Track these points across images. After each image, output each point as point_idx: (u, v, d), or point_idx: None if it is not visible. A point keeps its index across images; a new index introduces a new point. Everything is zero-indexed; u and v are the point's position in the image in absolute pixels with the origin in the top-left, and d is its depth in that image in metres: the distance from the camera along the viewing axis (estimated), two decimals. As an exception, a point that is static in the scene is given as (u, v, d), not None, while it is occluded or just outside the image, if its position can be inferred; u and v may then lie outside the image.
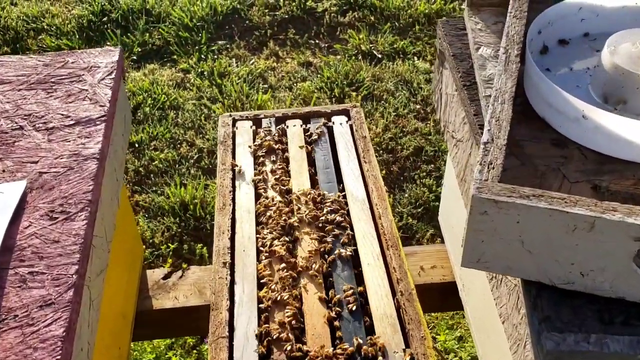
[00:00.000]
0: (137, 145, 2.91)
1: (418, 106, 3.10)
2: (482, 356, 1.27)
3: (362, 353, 1.02)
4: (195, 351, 2.12)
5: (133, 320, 1.57)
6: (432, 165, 2.78)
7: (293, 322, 1.07)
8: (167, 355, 2.06)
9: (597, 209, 0.75)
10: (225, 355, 1.01)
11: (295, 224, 1.27)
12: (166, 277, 1.70)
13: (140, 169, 2.80)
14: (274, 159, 1.44)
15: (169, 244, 2.46)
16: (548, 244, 0.79)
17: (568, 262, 0.79)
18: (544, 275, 0.82)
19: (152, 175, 2.81)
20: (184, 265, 2.52)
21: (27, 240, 1.01)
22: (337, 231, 1.25)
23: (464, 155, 1.14)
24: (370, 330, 1.06)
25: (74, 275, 0.96)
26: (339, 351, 1.02)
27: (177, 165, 2.87)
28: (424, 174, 2.75)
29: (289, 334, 1.05)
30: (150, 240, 2.51)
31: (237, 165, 1.44)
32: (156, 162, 2.86)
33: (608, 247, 0.76)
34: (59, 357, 0.85)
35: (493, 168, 0.82)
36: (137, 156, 2.87)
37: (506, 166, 0.91)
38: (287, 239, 1.23)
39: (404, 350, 1.02)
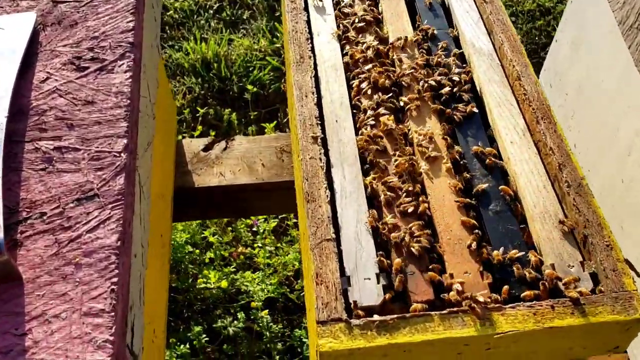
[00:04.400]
0: (147, -9, 2.48)
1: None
2: None
3: (518, 265, 0.74)
4: (230, 229, 1.87)
5: (172, 200, 1.28)
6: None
7: (421, 227, 0.77)
8: (202, 235, 1.81)
9: None
10: (335, 265, 0.73)
11: (404, 82, 0.93)
12: (207, 148, 1.39)
13: (153, 19, 2.40)
14: (355, -2, 1.08)
15: (197, 108, 2.13)
16: None
17: None
18: None
19: (167, 27, 2.42)
20: (212, 133, 2.21)
21: (47, 100, 0.68)
22: (460, 93, 0.92)
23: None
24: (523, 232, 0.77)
25: (122, 154, 0.64)
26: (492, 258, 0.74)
27: (195, 17, 2.47)
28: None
29: (416, 234, 0.76)
30: (171, 103, 2.17)
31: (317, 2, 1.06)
32: (171, 12, 2.46)
33: None
34: (114, 277, 0.56)
35: None
36: (148, 4, 2.45)
37: None
38: (391, 105, 0.91)
39: (582, 264, 0.74)
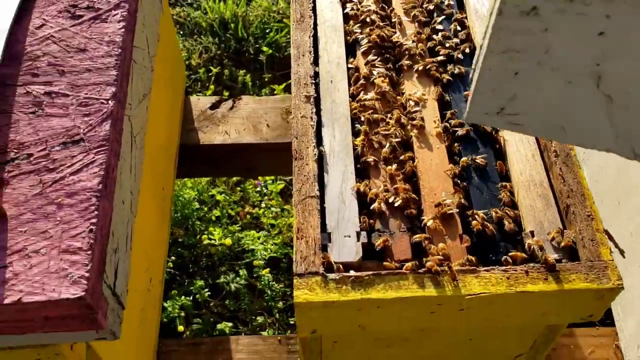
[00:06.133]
0: (168, -52, 2.47)
1: None
2: None
3: (501, 227, 0.75)
4: (239, 188, 1.89)
5: (177, 156, 1.31)
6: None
7: (404, 183, 0.78)
8: (209, 192, 1.84)
9: None
10: (316, 220, 0.75)
11: (405, 45, 0.93)
12: (214, 106, 1.40)
13: (173, -23, 2.40)
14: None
15: (210, 67, 2.14)
16: None
17: None
18: (626, 145, 0.45)
19: (186, -15, 2.42)
20: (226, 93, 2.22)
21: (40, 47, 0.70)
22: (457, 56, 0.92)
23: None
24: (511, 202, 0.78)
25: (110, 101, 0.66)
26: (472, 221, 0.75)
27: (215, -25, 2.46)
28: None
29: (399, 197, 0.77)
30: (187, 62, 2.19)
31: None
32: (191, -31, 2.45)
33: None
34: (93, 219, 0.59)
35: None
36: (169, -39, 2.45)
37: None
38: (387, 67, 0.91)
39: (561, 232, 0.74)
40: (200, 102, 1.41)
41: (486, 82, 0.45)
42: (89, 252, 0.56)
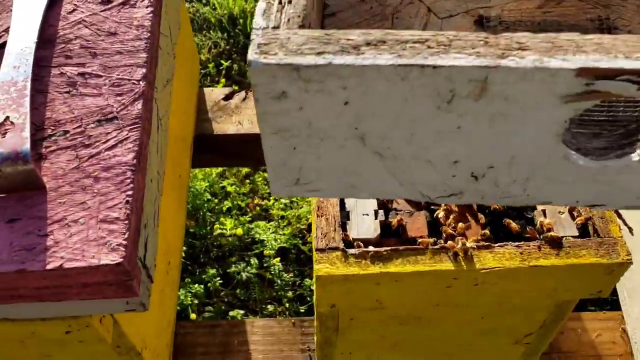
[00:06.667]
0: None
1: None
2: None
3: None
4: (248, 181, 1.92)
5: (192, 145, 1.34)
6: None
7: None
8: (220, 184, 1.87)
9: (490, 51, 0.39)
10: (335, 199, 0.78)
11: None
12: (227, 97, 1.43)
13: (182, -27, 2.44)
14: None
15: (222, 61, 2.17)
16: (408, 135, 0.45)
17: (448, 161, 0.47)
18: (413, 189, 0.51)
19: (195, -19, 2.45)
20: (235, 87, 2.25)
21: (72, 30, 0.73)
22: None
23: None
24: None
25: (141, 82, 0.69)
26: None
27: (223, -28, 2.49)
28: None
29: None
30: (196, 57, 2.22)
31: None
32: (200, -34, 2.48)
33: (517, 121, 0.43)
34: (129, 191, 0.62)
35: (289, 2, 0.45)
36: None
37: (334, 7, 0.58)
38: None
39: (571, 211, 0.77)
40: (214, 93, 1.44)
41: (274, 159, 0.49)
42: (126, 222, 0.59)
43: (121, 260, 0.57)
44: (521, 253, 0.74)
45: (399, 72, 0.40)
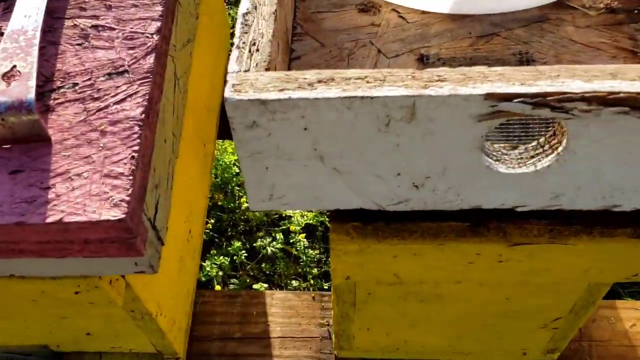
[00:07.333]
0: None
1: None
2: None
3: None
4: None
5: (219, 115, 1.32)
6: None
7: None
8: (249, 158, 1.85)
9: (415, 83, 0.49)
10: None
11: None
12: (256, 67, 1.40)
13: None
14: None
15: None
16: (358, 154, 0.54)
17: (392, 173, 0.56)
18: (367, 199, 0.60)
19: (233, -47, 2.42)
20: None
21: (88, -18, 0.71)
22: None
23: None
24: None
25: (154, 36, 0.67)
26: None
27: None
28: None
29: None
30: (230, 30, 2.20)
31: None
32: (239, -62, 2.46)
33: (443, 139, 0.52)
34: (135, 147, 0.59)
35: (257, 50, 0.55)
36: None
37: (299, 52, 0.71)
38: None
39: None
40: (243, 63, 1.41)
41: (250, 178, 0.58)
42: (130, 178, 0.57)
43: (123, 216, 0.55)
44: (550, 230, 0.69)
45: (344, 103, 0.49)
